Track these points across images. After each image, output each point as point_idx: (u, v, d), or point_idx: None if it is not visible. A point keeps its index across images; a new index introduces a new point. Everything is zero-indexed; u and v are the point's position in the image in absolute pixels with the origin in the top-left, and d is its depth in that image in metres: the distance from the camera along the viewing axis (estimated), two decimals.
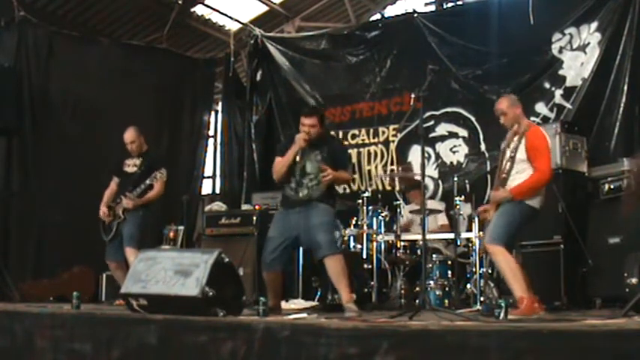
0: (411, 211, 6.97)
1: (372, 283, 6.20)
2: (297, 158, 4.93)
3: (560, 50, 7.09)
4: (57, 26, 8.56)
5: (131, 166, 6.34)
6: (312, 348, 2.98)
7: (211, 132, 10.67)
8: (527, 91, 7.21)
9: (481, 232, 5.75)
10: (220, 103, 10.28)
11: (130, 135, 6.30)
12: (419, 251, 6.18)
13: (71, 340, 3.95)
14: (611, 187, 5.58)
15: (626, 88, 6.61)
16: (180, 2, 9.26)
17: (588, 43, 6.92)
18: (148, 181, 6.06)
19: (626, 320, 3.39)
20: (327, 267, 4.83)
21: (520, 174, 4.53)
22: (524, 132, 4.57)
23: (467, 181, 6.90)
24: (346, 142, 8.41)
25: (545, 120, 6.95)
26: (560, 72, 7.07)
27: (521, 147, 4.55)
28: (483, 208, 4.94)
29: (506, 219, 4.49)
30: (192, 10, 9.75)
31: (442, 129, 7.80)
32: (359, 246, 6.46)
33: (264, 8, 10.01)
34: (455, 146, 7.70)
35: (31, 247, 7.81)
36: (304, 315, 4.79)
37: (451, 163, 7.73)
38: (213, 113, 10.54)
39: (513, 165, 4.56)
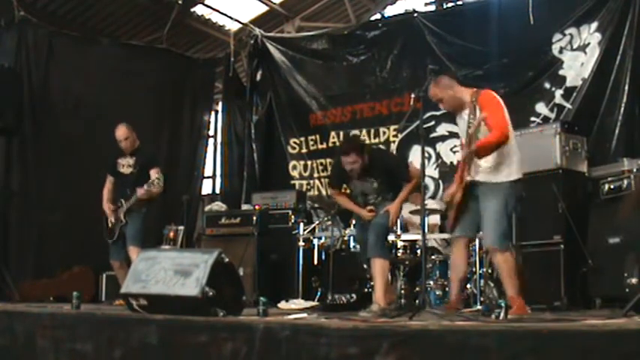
0: (410, 212, 6.96)
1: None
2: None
3: (561, 50, 7.09)
4: (57, 26, 8.57)
5: (125, 166, 6.29)
6: (312, 348, 2.97)
7: (211, 132, 10.68)
8: (528, 92, 7.23)
9: (481, 232, 5.73)
10: (220, 103, 10.29)
11: (122, 132, 6.21)
12: (419, 251, 6.17)
13: (72, 340, 3.95)
14: (611, 187, 5.57)
15: (626, 88, 6.61)
16: (180, 2, 9.26)
17: (588, 44, 6.92)
18: (146, 187, 5.99)
19: (626, 320, 3.38)
20: (372, 266, 5.05)
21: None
22: (475, 100, 4.45)
23: None
24: None
25: (546, 120, 6.96)
26: (561, 72, 7.07)
27: (478, 114, 4.40)
28: (449, 194, 4.64)
29: (498, 215, 4.37)
30: (192, 10, 9.74)
31: (442, 129, 7.79)
32: (359, 246, 6.44)
33: (264, 8, 10.01)
34: (455, 146, 7.69)
35: (31, 247, 7.81)
36: (304, 315, 4.79)
37: (451, 163, 7.72)
38: (213, 113, 10.55)
39: (479, 130, 4.37)
